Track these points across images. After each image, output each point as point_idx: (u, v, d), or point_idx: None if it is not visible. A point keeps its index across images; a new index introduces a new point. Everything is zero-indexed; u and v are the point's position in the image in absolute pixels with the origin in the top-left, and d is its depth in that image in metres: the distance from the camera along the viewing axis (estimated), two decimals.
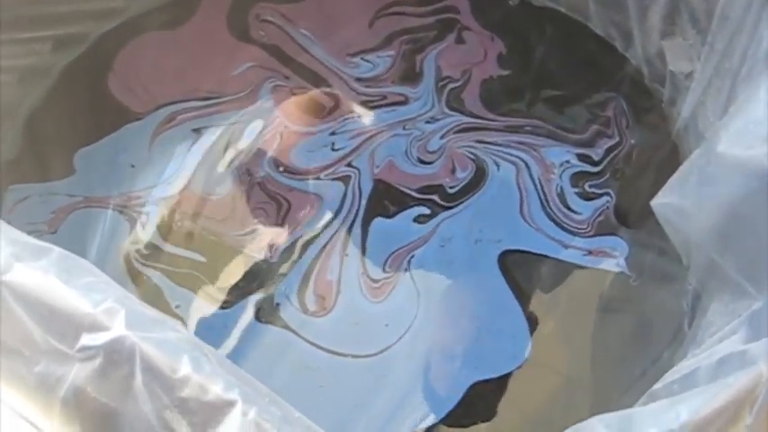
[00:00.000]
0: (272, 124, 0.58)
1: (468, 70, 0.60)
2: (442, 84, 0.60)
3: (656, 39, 0.56)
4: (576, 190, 0.55)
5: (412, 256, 0.53)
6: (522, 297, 0.52)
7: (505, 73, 0.60)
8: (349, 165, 0.56)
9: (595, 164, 0.56)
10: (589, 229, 0.54)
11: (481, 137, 0.58)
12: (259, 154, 0.57)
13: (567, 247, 0.53)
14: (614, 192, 0.55)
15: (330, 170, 0.56)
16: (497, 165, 0.57)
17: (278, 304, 0.51)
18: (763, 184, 0.36)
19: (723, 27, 0.50)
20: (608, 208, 0.54)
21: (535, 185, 0.56)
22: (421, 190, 0.56)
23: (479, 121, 0.58)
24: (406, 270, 0.53)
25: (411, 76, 0.60)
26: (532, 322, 0.51)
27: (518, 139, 0.58)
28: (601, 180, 0.56)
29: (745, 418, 0.25)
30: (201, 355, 0.27)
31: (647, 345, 0.51)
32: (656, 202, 0.45)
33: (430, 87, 0.60)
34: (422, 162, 0.57)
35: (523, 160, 0.57)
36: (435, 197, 0.55)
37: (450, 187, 0.56)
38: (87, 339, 0.26)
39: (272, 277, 0.52)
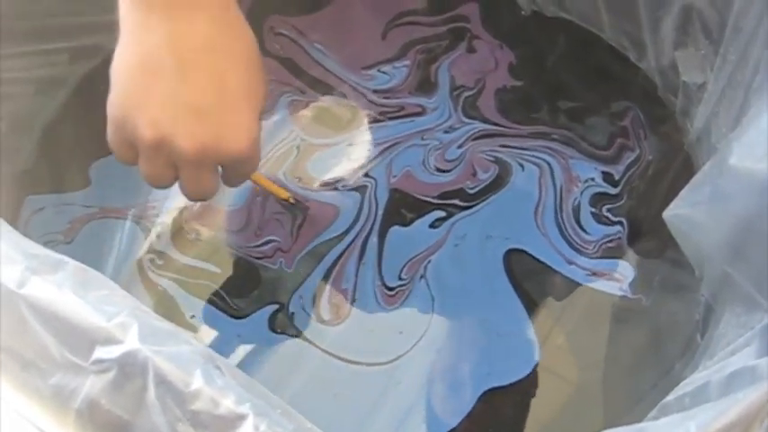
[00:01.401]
0: (288, 137, 0.58)
1: (481, 79, 0.61)
2: (456, 93, 0.60)
3: (668, 49, 0.56)
4: (593, 210, 0.55)
5: (428, 262, 0.53)
6: (532, 305, 0.52)
7: (518, 83, 0.61)
8: (366, 175, 0.57)
9: (615, 184, 0.56)
10: (595, 251, 0.54)
11: (505, 142, 0.58)
12: (275, 166, 0.57)
13: (570, 263, 0.53)
14: (628, 222, 0.55)
15: (347, 181, 0.56)
16: (522, 166, 0.57)
17: (293, 314, 0.51)
18: None
19: (736, 38, 0.50)
20: (619, 238, 0.54)
21: (555, 191, 0.56)
22: (441, 196, 0.56)
23: (499, 128, 0.59)
24: (421, 277, 0.53)
25: (426, 86, 0.61)
26: (543, 331, 0.51)
27: (546, 144, 0.58)
28: (617, 204, 0.55)
29: None
30: (214, 369, 0.27)
31: (659, 356, 0.51)
32: (669, 214, 0.45)
33: (445, 97, 0.60)
34: (440, 171, 0.57)
35: (549, 164, 0.57)
36: (456, 201, 0.56)
37: (471, 188, 0.56)
38: (101, 352, 0.26)
39: (287, 287, 0.52)
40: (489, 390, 0.49)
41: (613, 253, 0.53)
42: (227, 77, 0.39)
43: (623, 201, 0.55)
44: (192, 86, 0.38)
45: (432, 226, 0.55)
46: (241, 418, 0.25)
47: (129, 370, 0.26)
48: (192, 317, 0.51)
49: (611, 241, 0.54)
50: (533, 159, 0.57)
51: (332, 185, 0.56)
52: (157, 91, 0.38)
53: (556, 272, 0.53)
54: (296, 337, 0.51)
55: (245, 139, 0.40)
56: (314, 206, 0.55)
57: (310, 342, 0.50)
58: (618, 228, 0.54)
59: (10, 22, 0.51)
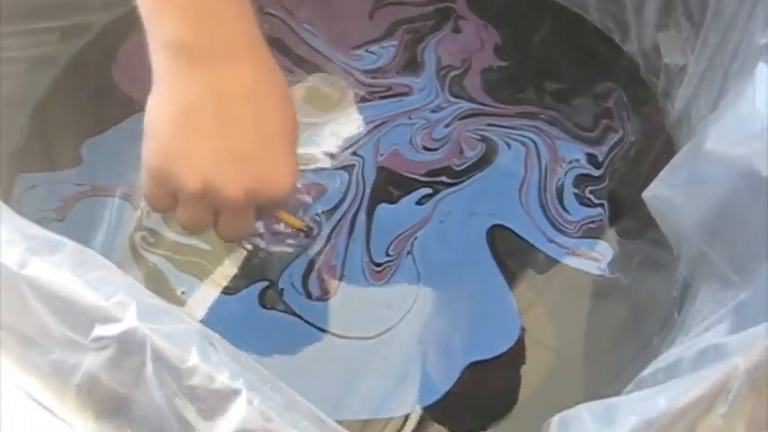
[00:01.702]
0: None
1: (468, 59, 0.61)
2: (443, 72, 0.61)
3: (651, 31, 0.57)
4: (576, 191, 0.56)
5: (415, 239, 0.54)
6: (514, 279, 0.53)
7: (504, 64, 0.61)
8: (354, 153, 0.57)
9: (599, 166, 0.57)
10: (576, 231, 0.55)
11: (492, 121, 0.59)
12: None
13: (550, 241, 0.54)
14: (609, 203, 0.56)
15: (335, 159, 0.57)
16: (508, 144, 0.58)
17: (282, 290, 0.52)
18: (748, 183, 0.38)
19: (716, 22, 0.51)
20: (601, 220, 0.55)
21: (540, 169, 0.57)
22: (428, 174, 0.57)
23: (486, 107, 0.59)
24: (408, 253, 0.54)
25: (413, 65, 0.61)
26: (524, 305, 0.52)
27: (532, 124, 0.59)
28: (600, 186, 0.56)
29: (720, 407, 0.26)
30: (209, 346, 0.28)
31: (638, 331, 0.52)
32: (648, 194, 0.47)
33: (432, 77, 0.61)
34: (427, 149, 0.58)
35: (535, 143, 0.58)
36: (443, 178, 0.57)
37: (458, 165, 0.57)
38: (101, 330, 0.28)
39: (277, 264, 0.53)
40: (473, 362, 0.50)
41: (594, 233, 0.55)
42: (267, 120, 0.40)
43: (605, 183, 0.56)
44: (235, 133, 0.39)
45: (418, 203, 0.56)
46: (235, 392, 0.26)
47: (127, 347, 0.27)
48: (183, 293, 0.52)
49: (592, 222, 0.55)
50: (520, 138, 0.58)
51: (321, 163, 0.57)
52: (201, 141, 0.39)
53: (537, 249, 0.54)
54: (286, 312, 0.52)
55: (287, 179, 0.41)
56: (303, 185, 0.56)
57: (300, 317, 0.52)
58: (599, 210, 0.55)
59: (1, 2, 0.51)
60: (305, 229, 0.54)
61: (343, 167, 0.57)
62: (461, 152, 0.58)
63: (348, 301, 0.52)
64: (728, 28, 0.49)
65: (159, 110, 0.40)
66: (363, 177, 0.57)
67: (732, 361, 0.27)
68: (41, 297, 0.28)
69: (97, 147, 0.57)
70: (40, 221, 0.53)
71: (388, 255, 0.54)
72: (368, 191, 0.56)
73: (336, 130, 0.59)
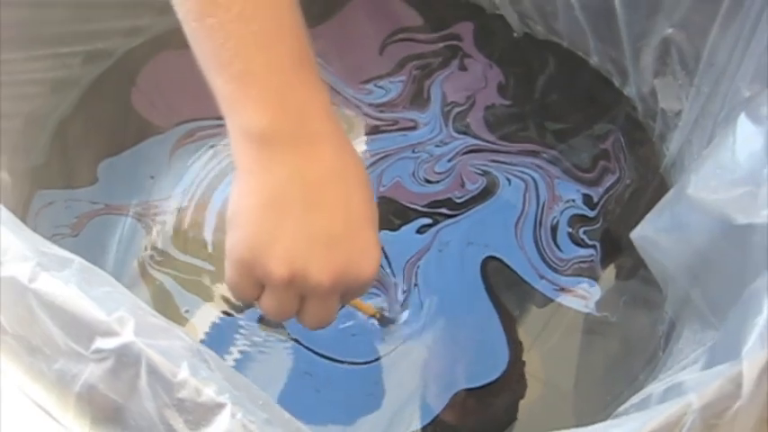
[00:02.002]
0: None
1: (472, 96, 0.64)
2: (447, 108, 0.63)
3: (649, 77, 0.59)
4: (570, 230, 0.58)
5: (417, 267, 0.56)
6: (506, 312, 0.55)
7: (507, 102, 0.64)
8: None
9: (593, 206, 0.59)
10: (567, 269, 0.56)
11: (495, 157, 0.61)
12: None
13: (541, 277, 0.56)
14: (601, 244, 0.57)
15: None
16: (509, 180, 0.60)
17: None
18: (724, 229, 0.39)
19: (708, 72, 0.53)
20: (592, 261, 0.57)
21: (537, 206, 0.59)
22: (429, 205, 0.59)
23: (488, 144, 0.62)
24: (415, 285, 0.55)
25: (420, 101, 0.63)
26: (514, 340, 0.54)
27: (534, 161, 0.61)
28: (593, 227, 0.58)
29: None
30: (200, 362, 0.30)
31: (626, 366, 0.54)
32: (635, 235, 0.48)
33: (437, 112, 0.63)
34: (428, 182, 0.60)
35: (535, 180, 0.60)
36: (443, 209, 0.59)
37: (458, 198, 0.59)
38: (101, 343, 0.30)
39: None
40: (462, 390, 0.52)
41: (584, 272, 0.56)
42: (353, 203, 0.40)
43: (599, 224, 0.58)
44: (322, 217, 0.39)
45: (418, 232, 0.58)
46: (220, 406, 0.28)
47: (124, 360, 0.29)
48: (186, 311, 0.54)
49: (583, 262, 0.57)
50: (520, 175, 0.60)
51: None
52: (288, 226, 0.38)
53: (527, 284, 0.56)
54: (285, 336, 0.53)
55: (374, 260, 0.40)
56: None
57: (298, 342, 0.53)
58: (591, 251, 0.57)
59: (28, 29, 0.54)
60: (377, 316, 0.54)
61: None
62: (463, 185, 0.60)
63: (347, 328, 0.54)
64: (719, 79, 0.51)
65: (244, 198, 0.39)
66: None
67: (687, 398, 0.29)
68: (48, 310, 0.31)
69: (113, 167, 0.59)
70: (55, 236, 0.56)
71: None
72: None
73: None
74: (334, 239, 0.39)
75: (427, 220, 0.58)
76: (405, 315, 0.55)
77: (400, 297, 0.55)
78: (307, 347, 0.53)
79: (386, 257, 0.56)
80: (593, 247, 0.57)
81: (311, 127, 0.39)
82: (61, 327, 0.31)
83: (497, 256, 0.57)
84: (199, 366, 0.29)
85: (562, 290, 0.56)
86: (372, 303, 0.54)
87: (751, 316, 0.31)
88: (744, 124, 0.41)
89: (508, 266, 0.56)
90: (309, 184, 0.39)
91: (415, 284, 0.56)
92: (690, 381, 0.31)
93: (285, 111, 0.38)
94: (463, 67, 0.65)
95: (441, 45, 0.66)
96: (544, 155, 0.61)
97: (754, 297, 0.32)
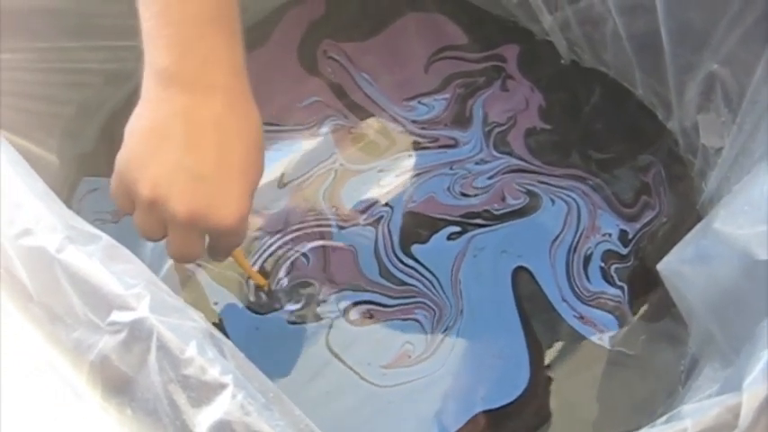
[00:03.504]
0: (328, 160, 0.62)
1: (513, 117, 0.64)
2: (488, 128, 0.64)
3: (692, 112, 0.59)
4: (602, 264, 0.58)
5: (459, 277, 0.57)
6: (531, 335, 0.55)
7: (547, 126, 0.64)
8: (386, 204, 0.60)
9: (627, 243, 0.59)
10: (591, 300, 0.56)
11: (541, 179, 0.61)
12: (314, 186, 0.61)
13: (564, 300, 0.56)
14: (629, 286, 0.57)
15: (368, 212, 0.60)
16: (552, 201, 0.60)
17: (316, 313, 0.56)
18: (747, 265, 0.39)
19: (751, 110, 0.52)
20: (619, 302, 0.56)
21: (576, 232, 0.59)
22: (465, 215, 0.60)
23: (533, 166, 0.62)
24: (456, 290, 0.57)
25: (461, 119, 0.64)
26: (536, 363, 0.54)
27: (580, 187, 0.61)
28: (625, 265, 0.58)
29: None
30: (209, 344, 0.31)
31: (647, 401, 0.53)
32: (661, 266, 0.48)
33: (478, 131, 0.64)
34: (464, 195, 0.61)
35: (578, 206, 0.60)
36: (478, 220, 0.59)
37: (497, 210, 0.60)
38: (116, 316, 0.31)
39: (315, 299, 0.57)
40: (481, 411, 0.52)
41: (608, 308, 0.56)
42: (229, 154, 0.43)
43: (630, 262, 0.58)
44: (195, 156, 0.42)
45: (449, 239, 0.58)
46: (223, 386, 0.29)
47: (136, 334, 0.31)
48: (216, 303, 0.56)
49: (609, 300, 0.57)
50: (565, 197, 0.60)
51: (355, 220, 0.60)
52: (162, 155, 0.42)
53: (548, 302, 0.56)
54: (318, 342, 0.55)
55: (234, 213, 0.43)
56: (337, 251, 0.58)
57: (333, 352, 0.54)
58: (618, 291, 0.57)
59: (88, 19, 0.56)
60: (265, 288, 0.56)
61: (371, 223, 0.59)
62: (503, 199, 0.60)
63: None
64: (761, 117, 0.51)
65: (135, 120, 0.43)
66: (389, 229, 0.59)
67: (683, 423, 0.29)
68: (72, 280, 0.32)
69: None
70: (96, 221, 0.58)
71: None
72: (396, 239, 0.59)
73: (378, 178, 0.61)
74: (200, 179, 0.41)
75: (456, 228, 0.59)
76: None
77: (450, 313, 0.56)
78: (328, 348, 0.54)
79: (432, 274, 0.57)
80: (622, 288, 0.57)
81: (210, 78, 0.42)
82: (82, 297, 0.32)
83: (528, 267, 0.57)
84: (206, 347, 0.30)
85: (581, 318, 0.55)
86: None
87: (758, 349, 0.31)
88: None
89: (536, 281, 0.57)
90: (192, 124, 0.42)
91: (460, 293, 0.56)
92: (689, 409, 0.31)
93: (189, 57, 0.42)
94: (505, 88, 0.65)
95: (484, 65, 0.66)
96: (590, 182, 0.61)
97: (763, 331, 0.32)
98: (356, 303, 0.56)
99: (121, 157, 0.43)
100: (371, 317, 0.55)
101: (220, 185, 0.42)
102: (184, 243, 0.44)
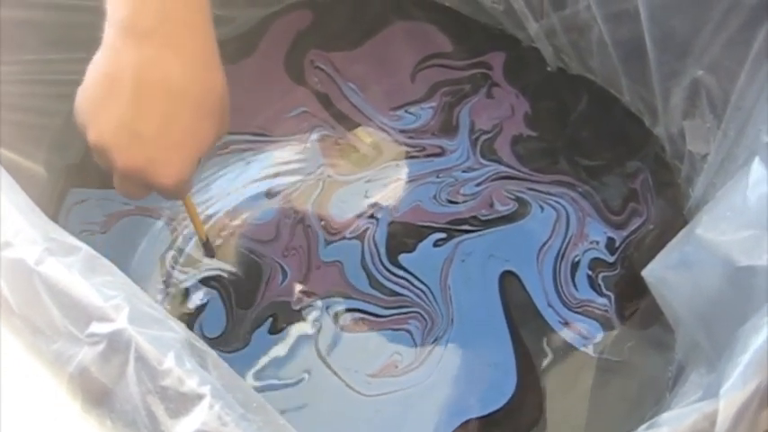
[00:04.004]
0: (315, 171, 0.62)
1: (498, 124, 0.64)
2: (474, 136, 0.64)
3: (678, 118, 0.59)
4: (589, 273, 0.58)
5: (448, 283, 0.57)
6: (519, 342, 0.55)
7: (533, 133, 0.64)
8: (371, 216, 0.60)
9: (614, 251, 0.59)
10: (577, 307, 0.56)
11: (530, 186, 0.61)
12: (302, 197, 0.61)
13: (550, 305, 0.56)
14: (615, 296, 0.57)
15: (354, 224, 0.60)
16: (542, 207, 0.61)
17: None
18: (728, 271, 0.39)
19: (735, 116, 0.53)
20: (606, 311, 0.56)
21: (564, 239, 0.59)
22: (451, 222, 0.60)
23: (521, 173, 0.62)
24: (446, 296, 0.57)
25: (449, 128, 0.64)
26: (524, 369, 0.54)
27: (569, 194, 0.61)
28: (611, 274, 0.58)
29: None
30: (188, 354, 0.31)
31: (636, 406, 0.53)
32: (646, 273, 0.48)
33: (465, 140, 0.64)
34: (451, 202, 0.61)
35: (567, 213, 0.60)
36: (465, 226, 0.59)
37: (484, 216, 0.60)
38: (95, 327, 0.31)
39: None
40: (469, 419, 0.52)
41: (593, 316, 0.56)
42: (175, 121, 0.43)
43: (617, 270, 0.58)
44: (140, 114, 0.42)
45: (435, 245, 0.59)
46: (200, 397, 0.29)
47: (115, 345, 0.31)
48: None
49: (596, 308, 0.57)
50: (554, 204, 0.61)
51: (341, 234, 0.60)
52: (109, 106, 0.42)
53: (535, 307, 0.56)
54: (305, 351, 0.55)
55: (171, 177, 0.43)
56: (323, 267, 0.59)
57: (321, 358, 0.55)
58: (605, 300, 0.57)
59: (73, 31, 0.56)
60: (203, 239, 0.56)
61: (357, 236, 0.59)
62: (491, 205, 0.60)
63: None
64: (745, 123, 0.51)
65: (92, 67, 0.43)
66: (375, 241, 0.59)
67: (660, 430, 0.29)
68: (51, 292, 0.32)
69: None
70: (84, 232, 0.58)
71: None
72: (382, 251, 0.59)
73: (365, 188, 0.61)
74: (140, 138, 0.42)
75: (442, 235, 0.59)
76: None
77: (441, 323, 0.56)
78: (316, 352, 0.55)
79: (422, 283, 0.57)
80: (608, 297, 0.57)
81: (167, 34, 0.42)
82: (61, 309, 0.32)
83: (515, 272, 0.57)
84: (184, 358, 0.31)
85: (566, 324, 0.55)
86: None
87: (735, 355, 0.31)
88: (757, 168, 0.41)
89: (523, 286, 0.57)
90: (142, 83, 0.42)
91: (450, 299, 0.56)
92: (667, 416, 0.31)
93: (147, 10, 0.42)
94: (490, 95, 0.65)
95: (471, 72, 0.66)
96: (579, 189, 0.61)
97: (743, 337, 0.32)
98: (348, 310, 0.56)
99: (78, 97, 0.44)
100: (363, 325, 0.55)
101: (159, 149, 0.43)
102: (125, 188, 0.45)
